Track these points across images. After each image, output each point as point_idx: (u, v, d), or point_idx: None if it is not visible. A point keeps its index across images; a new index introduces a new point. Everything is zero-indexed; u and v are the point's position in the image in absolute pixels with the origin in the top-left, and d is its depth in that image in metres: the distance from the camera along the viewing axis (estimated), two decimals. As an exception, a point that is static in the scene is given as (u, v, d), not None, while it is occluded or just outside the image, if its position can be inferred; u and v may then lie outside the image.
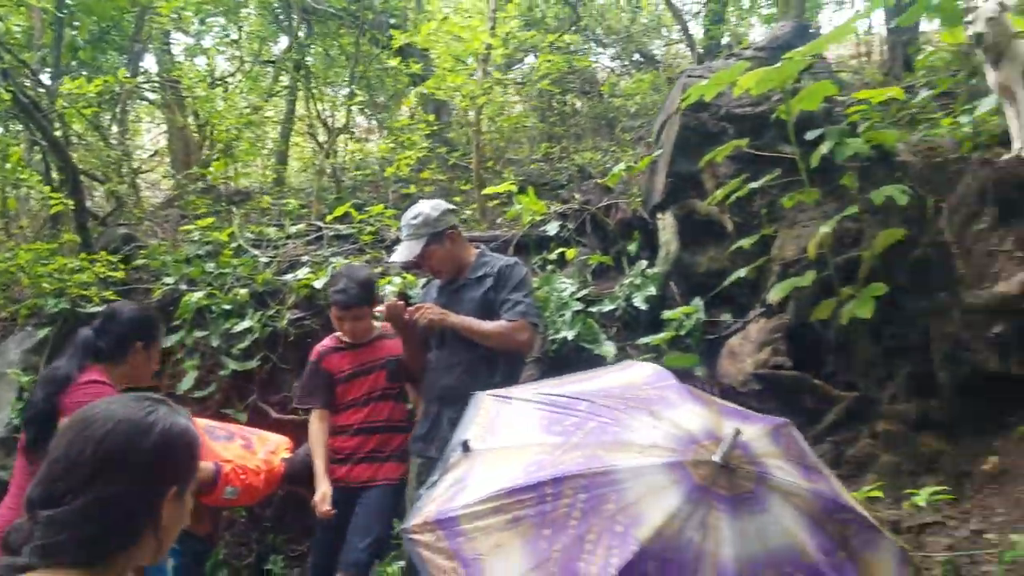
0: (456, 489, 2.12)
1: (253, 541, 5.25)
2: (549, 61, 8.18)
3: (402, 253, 4.02)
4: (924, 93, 5.08)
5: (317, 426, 4.14)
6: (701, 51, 11.58)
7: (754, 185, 4.58)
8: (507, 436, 2.28)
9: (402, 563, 4.40)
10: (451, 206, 4.16)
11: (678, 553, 1.72)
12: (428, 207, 4.01)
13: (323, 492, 3.95)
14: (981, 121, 5.68)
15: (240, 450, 4.12)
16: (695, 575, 1.71)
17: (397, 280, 5.40)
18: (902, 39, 9.44)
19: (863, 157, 4.51)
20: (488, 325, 3.84)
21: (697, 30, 14.27)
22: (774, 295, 4.65)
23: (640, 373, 2.55)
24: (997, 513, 3.94)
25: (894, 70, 8.57)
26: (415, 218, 3.98)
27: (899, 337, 4.80)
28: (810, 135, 4.46)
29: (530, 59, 12.26)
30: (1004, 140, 5.24)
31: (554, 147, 11.45)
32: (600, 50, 15.45)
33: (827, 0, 13.06)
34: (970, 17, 4.51)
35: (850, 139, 4.34)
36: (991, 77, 5.06)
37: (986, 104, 5.41)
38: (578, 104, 14.14)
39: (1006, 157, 4.85)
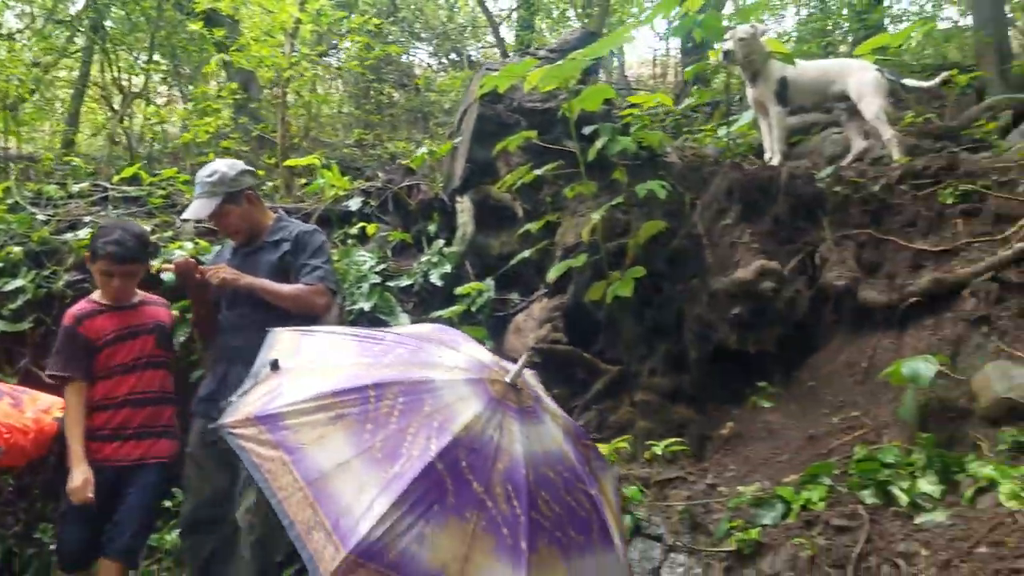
0: (272, 396, 2.26)
1: (20, 510, 4.97)
2: (358, 42, 8.27)
3: (195, 210, 3.93)
4: (687, 102, 5.74)
5: (74, 400, 3.82)
6: (512, 55, 12.14)
7: (537, 173, 4.98)
8: (316, 358, 2.45)
9: (178, 530, 4.36)
10: (249, 168, 4.16)
11: (482, 445, 2.10)
12: (225, 166, 3.96)
13: (84, 478, 3.71)
14: (742, 133, 6.50)
15: (7, 408, 3.92)
16: (495, 462, 2.10)
17: (189, 246, 5.31)
18: (692, 60, 10.45)
19: (632, 155, 5.04)
20: (285, 288, 3.83)
21: (511, 35, 14.90)
22: (551, 275, 5.09)
23: (426, 327, 2.85)
24: (729, 470, 4.56)
25: (686, 89, 9.50)
26: (211, 176, 3.91)
27: (658, 318, 5.39)
28: (586, 131, 4.92)
29: (348, 45, 12.28)
30: (761, 151, 6.05)
31: (368, 134, 11.56)
32: (419, 45, 15.73)
33: (630, 17, 14.09)
34: (727, 36, 5.18)
35: (621, 137, 4.84)
36: (749, 93, 5.82)
37: (745, 117, 6.20)
38: (396, 95, 14.34)
39: (782, 164, 5.60)
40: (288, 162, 6.49)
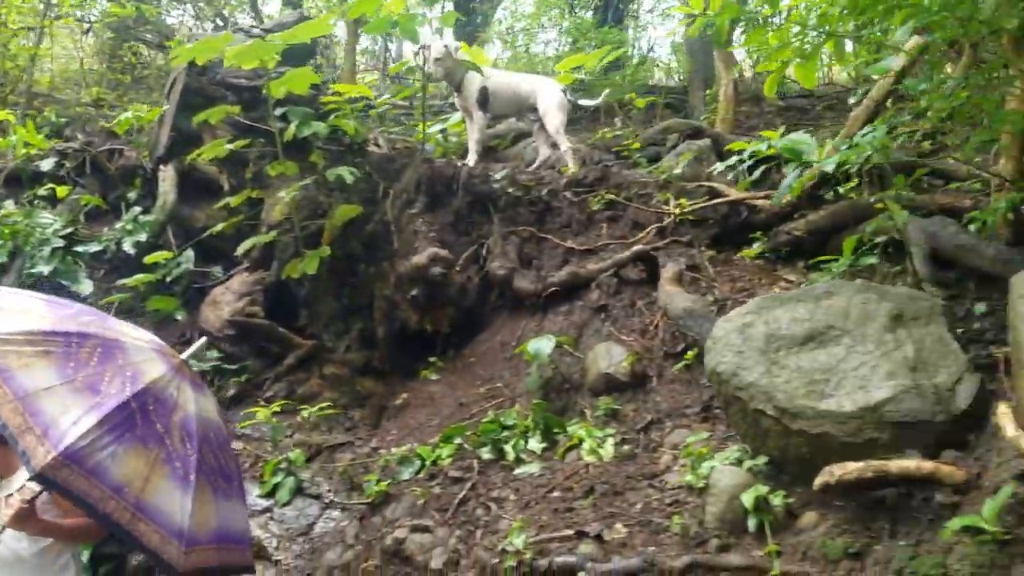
0: None
1: None
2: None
3: None
4: (384, 97, 6.15)
5: None
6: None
7: (230, 148, 5.14)
8: (9, 305, 2.64)
9: None
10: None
11: (165, 398, 2.54)
12: None
13: None
14: (457, 132, 7.02)
15: None
16: (174, 412, 2.55)
17: None
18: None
19: (334, 140, 5.34)
20: None
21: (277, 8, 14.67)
22: (241, 250, 5.28)
23: None
24: (392, 435, 5.03)
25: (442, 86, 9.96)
26: None
27: (354, 297, 5.76)
28: (278, 112, 5.15)
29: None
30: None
31: (108, 94, 10.95)
32: (181, 7, 15.05)
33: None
34: (426, 54, 5.65)
35: (314, 122, 5.13)
36: (456, 100, 6.33)
37: (454, 118, 6.72)
38: (153, 56, 13.63)
39: (462, 163, 6.11)
40: (-24, 114, 6.13)
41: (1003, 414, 2.52)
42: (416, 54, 5.58)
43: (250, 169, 5.82)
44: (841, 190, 4.83)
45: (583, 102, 6.42)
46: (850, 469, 2.67)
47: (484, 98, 6.15)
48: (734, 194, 5.17)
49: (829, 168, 3.58)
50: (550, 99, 6.18)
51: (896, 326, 2.86)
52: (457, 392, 5.09)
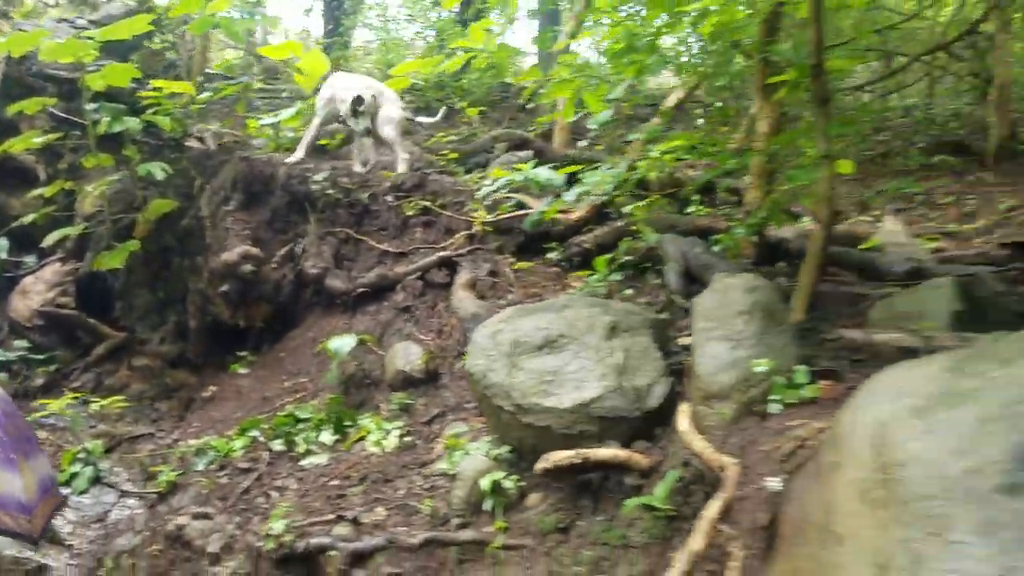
0: None
1: None
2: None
3: None
4: (205, 95, 6.25)
5: None
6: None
7: (38, 142, 5.13)
8: None
9: None
10: None
11: None
12: None
13: None
14: (292, 127, 7.12)
15: None
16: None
17: None
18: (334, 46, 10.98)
19: (143, 132, 5.40)
20: None
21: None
22: (48, 240, 5.28)
23: None
24: (195, 427, 5.16)
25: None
26: None
27: (168, 291, 5.84)
28: (89, 107, 5.17)
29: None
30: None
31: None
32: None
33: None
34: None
35: (127, 118, 5.18)
36: (317, 119, 6.40)
37: (285, 113, 6.85)
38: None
39: (284, 161, 6.24)
40: None
41: (681, 412, 2.99)
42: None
43: (66, 160, 5.79)
44: (628, 208, 5.34)
45: (420, 119, 6.65)
46: (562, 456, 3.09)
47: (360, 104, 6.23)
48: (536, 207, 5.59)
49: (570, 199, 4.03)
50: (389, 106, 6.39)
51: (613, 336, 3.31)
52: (264, 386, 5.28)
